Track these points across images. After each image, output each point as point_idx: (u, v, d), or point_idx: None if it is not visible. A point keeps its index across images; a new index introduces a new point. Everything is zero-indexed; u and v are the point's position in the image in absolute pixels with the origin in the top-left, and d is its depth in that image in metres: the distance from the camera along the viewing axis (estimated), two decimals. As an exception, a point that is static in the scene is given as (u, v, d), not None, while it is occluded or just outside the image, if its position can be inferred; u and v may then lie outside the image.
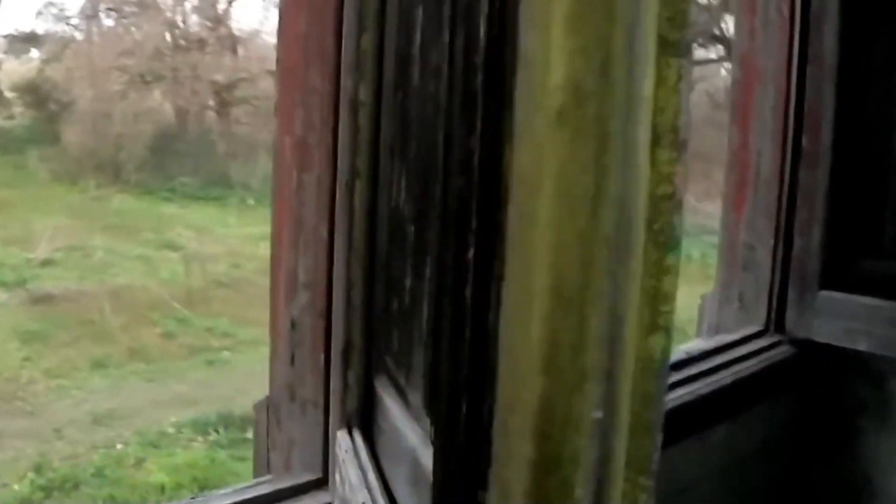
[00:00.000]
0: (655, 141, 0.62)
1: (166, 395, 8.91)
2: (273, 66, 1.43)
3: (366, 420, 1.37)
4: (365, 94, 1.25)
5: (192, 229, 12.70)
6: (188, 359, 9.97)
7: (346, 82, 1.28)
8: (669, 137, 0.63)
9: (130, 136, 14.69)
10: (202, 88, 15.45)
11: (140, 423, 8.27)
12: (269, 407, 1.64)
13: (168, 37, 15.71)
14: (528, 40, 0.56)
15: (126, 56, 15.15)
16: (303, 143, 1.42)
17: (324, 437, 1.48)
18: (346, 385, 1.39)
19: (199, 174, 14.64)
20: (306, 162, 1.42)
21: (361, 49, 1.22)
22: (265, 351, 1.55)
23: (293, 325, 1.53)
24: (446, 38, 1.01)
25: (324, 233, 1.43)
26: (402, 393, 1.24)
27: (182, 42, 15.68)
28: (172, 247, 12.35)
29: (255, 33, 15.68)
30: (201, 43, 15.49)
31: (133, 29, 15.61)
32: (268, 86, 13.12)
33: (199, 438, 8.28)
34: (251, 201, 13.84)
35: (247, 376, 8.66)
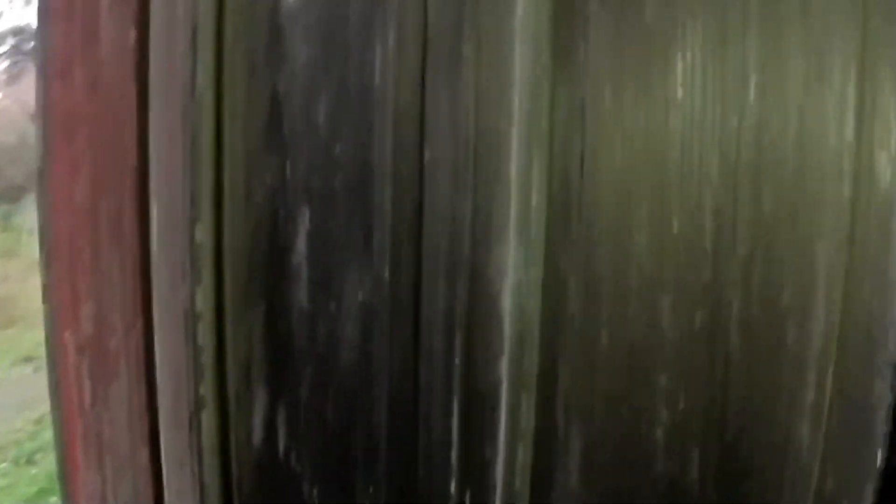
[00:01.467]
0: None
1: None
2: None
3: None
4: (203, 304, 0.87)
5: None
6: None
7: (166, 279, 0.90)
8: None
9: None
10: None
11: None
12: None
13: None
14: None
15: None
16: (98, 349, 1.01)
17: None
18: None
19: None
20: (106, 372, 1.02)
21: (196, 243, 0.83)
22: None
23: (108, 568, 1.13)
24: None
25: (144, 461, 1.04)
26: None
27: None
28: None
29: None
30: None
31: None
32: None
33: None
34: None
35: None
